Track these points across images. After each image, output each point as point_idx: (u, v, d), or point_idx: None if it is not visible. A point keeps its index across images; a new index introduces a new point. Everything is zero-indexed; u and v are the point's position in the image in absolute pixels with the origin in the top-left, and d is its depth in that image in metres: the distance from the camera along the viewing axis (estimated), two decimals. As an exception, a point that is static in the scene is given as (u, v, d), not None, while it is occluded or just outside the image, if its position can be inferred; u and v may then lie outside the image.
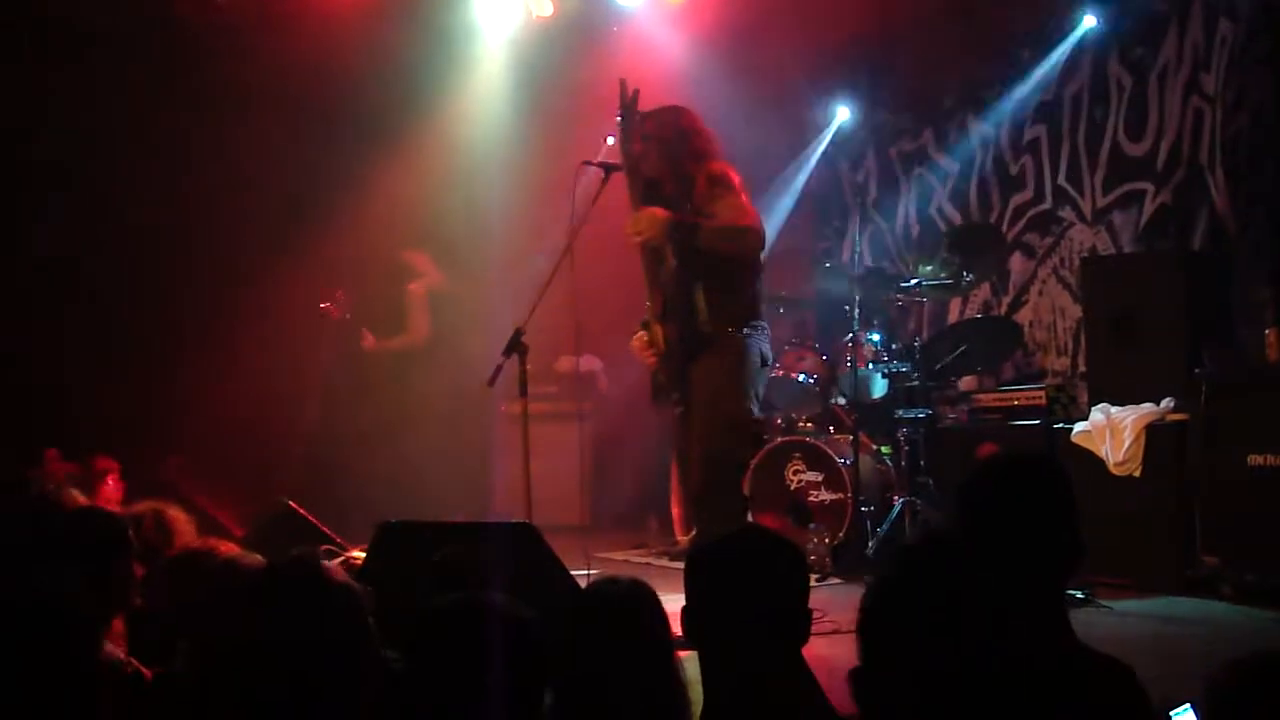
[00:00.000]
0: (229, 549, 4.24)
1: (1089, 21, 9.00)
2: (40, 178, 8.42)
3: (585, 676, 2.74)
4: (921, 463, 8.27)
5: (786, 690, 2.69)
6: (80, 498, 4.34)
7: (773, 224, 10.01)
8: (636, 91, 6.13)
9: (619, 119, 6.17)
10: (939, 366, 8.52)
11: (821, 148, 10.79)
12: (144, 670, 3.47)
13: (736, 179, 6.15)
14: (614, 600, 2.86)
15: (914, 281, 8.62)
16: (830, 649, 5.81)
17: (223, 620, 3.45)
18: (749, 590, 2.66)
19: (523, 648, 2.52)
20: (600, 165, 6.23)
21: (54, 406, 8.09)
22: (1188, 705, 2.33)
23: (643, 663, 2.76)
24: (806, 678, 2.98)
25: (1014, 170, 9.67)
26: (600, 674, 2.75)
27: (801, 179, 10.81)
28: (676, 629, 2.82)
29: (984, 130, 9.90)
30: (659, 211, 6.00)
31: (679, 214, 6.01)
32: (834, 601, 6.96)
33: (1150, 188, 8.65)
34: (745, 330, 6.13)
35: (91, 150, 8.48)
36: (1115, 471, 7.10)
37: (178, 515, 4.62)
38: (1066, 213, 9.28)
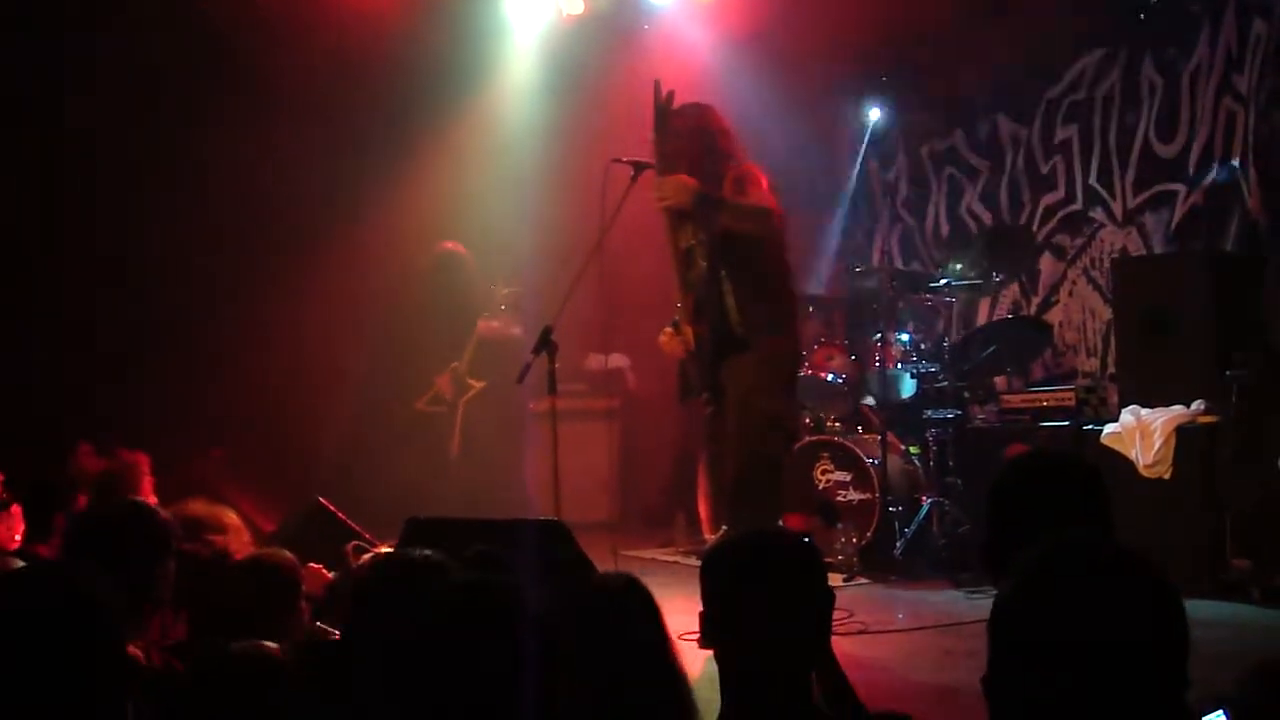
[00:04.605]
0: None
1: (1120, 22, 8.96)
2: (71, 173, 8.45)
3: (580, 671, 2.75)
4: (950, 463, 8.26)
5: (805, 690, 2.69)
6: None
7: (807, 224, 10.01)
8: (671, 93, 6.13)
9: (653, 119, 6.17)
10: (968, 367, 8.50)
11: (863, 151, 10.80)
12: (176, 663, 3.49)
13: (764, 179, 6.15)
14: (600, 598, 2.87)
15: (943, 281, 8.59)
16: (859, 648, 5.83)
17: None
18: (761, 590, 2.67)
19: (524, 628, 2.53)
20: (630, 163, 6.24)
21: (80, 400, 8.12)
22: (1221, 711, 2.31)
23: (636, 658, 2.77)
24: (836, 676, 2.98)
25: (1045, 170, 9.64)
26: (595, 669, 2.75)
27: (842, 180, 10.85)
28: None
29: (1015, 130, 9.87)
30: (686, 179, 6.00)
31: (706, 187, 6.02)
32: (862, 602, 6.99)
33: (1182, 188, 8.61)
34: (777, 329, 6.13)
35: (123, 145, 8.51)
36: (1145, 474, 7.06)
37: (231, 517, 4.65)
38: (1097, 213, 9.24)
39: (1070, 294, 9.43)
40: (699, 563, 2.88)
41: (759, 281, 6.11)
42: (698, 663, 3.79)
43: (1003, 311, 9.76)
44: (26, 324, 8.21)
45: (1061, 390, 8.18)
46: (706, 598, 2.75)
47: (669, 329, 6.34)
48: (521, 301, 9.72)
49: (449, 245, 9.88)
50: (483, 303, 9.89)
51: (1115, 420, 7.40)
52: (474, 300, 9.90)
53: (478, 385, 9.66)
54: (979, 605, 6.67)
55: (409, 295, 9.87)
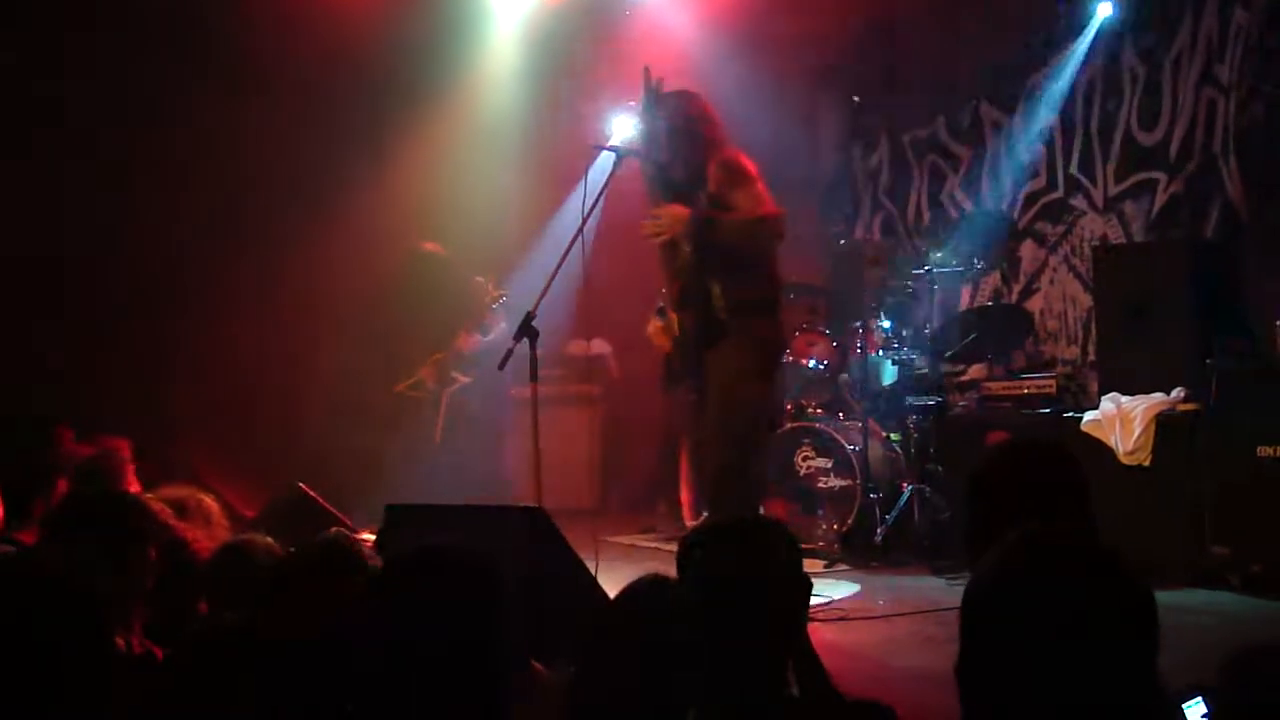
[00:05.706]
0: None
1: (1104, 10, 8.97)
2: (51, 155, 8.39)
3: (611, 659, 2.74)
4: (931, 450, 8.27)
5: (781, 677, 2.69)
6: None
7: (787, 210, 10.00)
8: (661, 80, 6.10)
9: (641, 105, 6.14)
10: (949, 354, 8.51)
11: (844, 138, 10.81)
12: (155, 649, 3.48)
13: (751, 167, 6.12)
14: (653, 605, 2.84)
15: (925, 268, 8.60)
16: (838, 635, 5.84)
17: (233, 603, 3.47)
18: (734, 576, 2.67)
19: (476, 591, 2.52)
20: (612, 149, 6.22)
21: (60, 386, 8.07)
22: (1199, 697, 2.33)
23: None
24: (812, 662, 2.98)
25: (1026, 158, 9.64)
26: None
27: (823, 167, 10.83)
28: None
29: (996, 117, 9.88)
30: (679, 209, 5.97)
31: (698, 209, 5.98)
32: (841, 588, 7.00)
33: (1163, 177, 8.63)
34: (761, 315, 6.12)
35: (103, 129, 8.46)
36: (1125, 461, 7.08)
37: (210, 502, 4.63)
38: (1078, 201, 9.26)
39: (1051, 282, 9.45)
40: (679, 549, 2.88)
41: (744, 267, 6.09)
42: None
43: (984, 299, 9.78)
44: (5, 311, 8.17)
45: (1042, 378, 8.20)
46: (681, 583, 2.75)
47: (656, 318, 6.33)
48: (510, 306, 9.60)
49: (426, 246, 9.80)
50: (464, 301, 9.81)
51: (1095, 408, 7.42)
52: (456, 300, 9.84)
53: (462, 379, 9.64)
54: (959, 592, 6.61)
55: (387, 294, 9.82)
